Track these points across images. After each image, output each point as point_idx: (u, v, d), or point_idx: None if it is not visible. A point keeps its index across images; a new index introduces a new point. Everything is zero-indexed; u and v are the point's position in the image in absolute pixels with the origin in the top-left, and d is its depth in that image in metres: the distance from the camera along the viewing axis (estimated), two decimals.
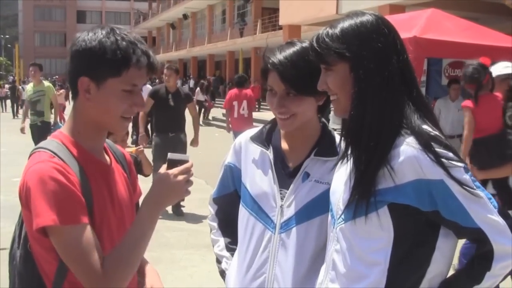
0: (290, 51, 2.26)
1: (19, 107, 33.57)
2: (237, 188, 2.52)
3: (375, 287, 1.89)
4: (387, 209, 1.86)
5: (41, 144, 1.99)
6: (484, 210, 1.82)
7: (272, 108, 2.31)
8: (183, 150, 8.95)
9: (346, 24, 1.95)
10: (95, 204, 1.95)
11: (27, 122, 12.03)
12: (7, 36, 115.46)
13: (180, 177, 1.95)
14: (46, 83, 12.10)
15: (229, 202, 2.56)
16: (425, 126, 1.87)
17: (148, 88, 19.26)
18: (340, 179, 2.06)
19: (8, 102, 36.61)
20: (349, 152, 2.03)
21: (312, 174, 2.29)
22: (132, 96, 1.97)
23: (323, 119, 2.44)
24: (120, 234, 2.02)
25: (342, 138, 2.12)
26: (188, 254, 7.28)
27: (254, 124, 11.01)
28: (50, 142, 1.99)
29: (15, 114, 33.26)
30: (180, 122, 9.49)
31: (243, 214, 2.43)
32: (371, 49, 1.89)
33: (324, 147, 2.34)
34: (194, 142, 9.95)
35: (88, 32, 1.96)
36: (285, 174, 2.33)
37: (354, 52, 1.90)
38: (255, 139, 2.44)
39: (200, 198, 9.81)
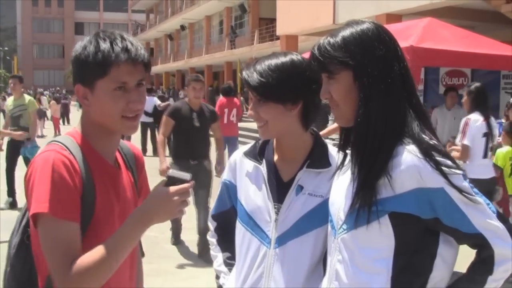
0: (264, 61, 2.30)
1: None
2: (233, 204, 2.52)
3: None
4: (387, 218, 1.87)
5: (57, 137, 2.05)
6: (483, 215, 1.84)
7: (248, 115, 2.37)
8: (206, 180, 7.59)
9: (347, 32, 1.96)
10: (97, 204, 1.97)
11: (6, 139, 10.90)
12: (6, 48, 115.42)
13: (176, 197, 1.91)
14: (28, 97, 11.09)
15: (227, 218, 2.57)
16: (424, 135, 1.89)
17: (154, 100, 19.11)
18: (340, 189, 2.06)
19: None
20: (347, 160, 2.05)
21: (306, 187, 2.29)
22: (126, 94, 1.99)
23: (315, 130, 2.44)
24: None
25: (342, 147, 2.13)
26: (188, 266, 7.28)
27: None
28: (66, 137, 2.05)
29: None
30: (205, 146, 7.83)
31: (239, 230, 2.44)
32: (374, 57, 1.91)
33: (316, 158, 2.34)
34: (219, 169, 8.11)
35: (79, 42, 2.03)
36: (279, 187, 2.33)
37: (358, 60, 1.91)
38: (248, 154, 2.46)
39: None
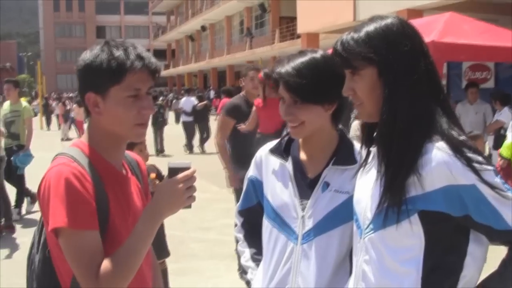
0: (297, 61, 2.29)
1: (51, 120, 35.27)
2: (260, 200, 2.54)
3: None
4: (417, 217, 1.83)
5: (64, 150, 2.07)
6: None
7: (282, 116, 2.35)
8: None
9: (371, 27, 1.93)
10: (111, 212, 2.01)
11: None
12: (30, 53, 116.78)
13: (180, 185, 1.95)
14: (24, 103, 10.53)
15: (253, 214, 2.58)
16: (453, 131, 1.85)
17: (192, 100, 20.17)
18: (365, 187, 2.03)
19: (34, 119, 36.65)
20: (371, 158, 2.04)
21: (332, 184, 2.30)
22: (138, 101, 2.02)
23: (341, 127, 2.45)
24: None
25: (365, 144, 2.11)
26: (213, 265, 7.30)
27: None
28: (72, 149, 2.07)
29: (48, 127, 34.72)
30: None
31: (266, 226, 2.46)
32: (399, 52, 1.87)
33: (342, 155, 2.34)
34: None
35: (87, 51, 2.06)
36: (305, 184, 2.35)
37: (383, 56, 1.88)
38: (274, 151, 2.47)
39: (224, 208, 9.88)
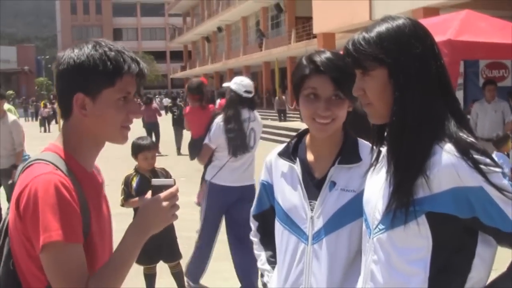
0: (329, 55, 2.31)
1: None
2: (272, 204, 2.57)
3: None
4: (425, 218, 1.83)
5: (39, 155, 1.95)
6: None
7: (313, 113, 2.31)
8: None
9: (383, 28, 1.92)
10: (92, 220, 1.94)
11: None
12: (47, 57, 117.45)
13: (164, 203, 1.93)
14: (7, 106, 9.70)
15: (267, 218, 2.61)
16: (461, 133, 1.84)
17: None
18: (374, 187, 2.03)
19: (53, 122, 36.81)
20: (382, 158, 2.03)
21: (338, 183, 2.33)
22: (127, 105, 1.98)
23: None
24: (107, 250, 2.05)
25: (375, 144, 2.11)
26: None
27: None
28: (49, 154, 1.95)
29: None
30: None
31: (278, 228, 2.48)
32: (410, 54, 1.86)
33: (347, 154, 2.37)
34: None
35: (73, 49, 1.97)
36: (313, 185, 2.37)
37: (394, 57, 1.87)
38: (282, 154, 2.50)
39: None
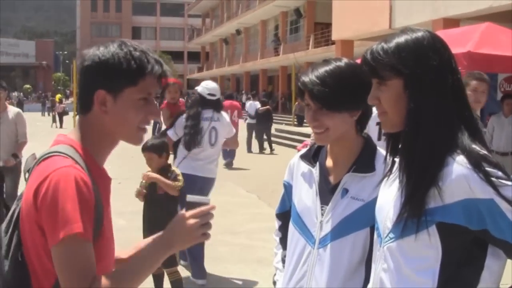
0: (321, 70, 2.31)
1: None
2: (291, 204, 2.60)
3: None
4: (435, 228, 1.83)
5: (56, 148, 1.93)
6: None
7: (308, 122, 2.38)
8: None
9: (402, 39, 1.93)
10: (104, 218, 1.93)
11: None
12: (66, 52, 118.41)
13: (193, 221, 1.92)
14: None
15: (288, 218, 2.63)
16: (474, 146, 1.84)
17: (256, 104, 22.29)
18: (387, 197, 2.04)
19: (66, 118, 36.86)
20: (396, 168, 2.04)
21: (350, 190, 2.35)
22: (147, 106, 1.98)
23: (367, 134, 2.48)
24: (111, 249, 2.03)
25: (390, 154, 2.11)
26: (240, 269, 7.33)
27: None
28: (65, 147, 1.93)
29: None
30: None
31: (291, 229, 2.53)
32: (428, 67, 1.87)
33: (362, 163, 2.38)
34: None
35: (99, 47, 1.99)
36: (327, 190, 2.40)
37: (411, 68, 1.88)
38: (304, 157, 2.54)
39: (252, 213, 9.91)
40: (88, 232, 1.79)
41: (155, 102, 2.05)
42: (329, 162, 2.46)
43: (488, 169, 1.78)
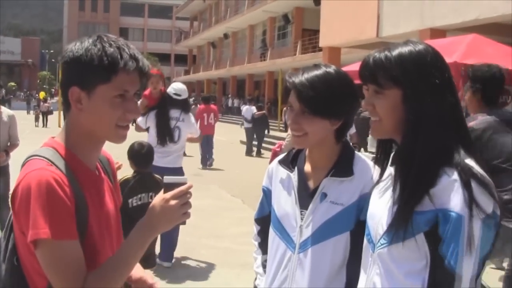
0: (312, 73, 2.33)
1: None
2: (270, 209, 2.62)
3: None
4: (423, 236, 1.87)
5: (36, 151, 1.94)
6: (470, 267, 1.80)
7: (288, 124, 2.41)
8: None
9: (405, 50, 1.95)
10: (90, 216, 1.92)
11: None
12: (52, 51, 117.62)
13: (173, 202, 1.87)
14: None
15: (267, 222, 2.64)
16: (468, 162, 1.87)
17: (252, 109, 23.05)
18: (379, 204, 2.07)
19: (50, 117, 36.51)
20: (386, 175, 2.08)
21: (329, 195, 2.36)
22: (124, 103, 1.93)
23: (347, 139, 2.51)
24: (109, 246, 2.02)
25: (380, 160, 2.15)
26: (224, 272, 7.33)
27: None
28: (46, 150, 1.94)
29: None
30: None
31: (271, 234, 2.55)
32: (429, 83, 1.90)
33: (340, 167, 2.39)
34: None
35: (75, 42, 1.95)
36: (306, 195, 2.41)
37: (413, 83, 1.90)
38: (282, 162, 2.56)
39: (237, 217, 9.91)
40: (63, 233, 1.79)
41: (135, 100, 1.99)
42: (307, 167, 2.48)
43: (474, 191, 1.81)
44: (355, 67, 8.89)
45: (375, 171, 2.25)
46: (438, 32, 16.33)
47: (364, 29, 20.40)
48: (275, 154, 7.76)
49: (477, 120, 4.90)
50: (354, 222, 2.31)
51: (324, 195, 2.37)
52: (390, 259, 1.96)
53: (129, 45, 1.96)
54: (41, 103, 37.79)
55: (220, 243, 8.65)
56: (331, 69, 2.36)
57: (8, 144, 7.72)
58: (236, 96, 53.17)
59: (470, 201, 1.79)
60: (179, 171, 7.54)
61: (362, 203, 2.29)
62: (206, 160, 18.24)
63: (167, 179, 1.95)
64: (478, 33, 10.71)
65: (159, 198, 1.91)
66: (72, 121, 1.98)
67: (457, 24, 16.04)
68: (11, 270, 1.90)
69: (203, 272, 7.29)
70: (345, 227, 2.31)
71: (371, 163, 2.39)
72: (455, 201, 1.81)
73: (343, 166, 2.39)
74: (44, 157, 1.88)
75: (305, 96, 2.29)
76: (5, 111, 7.91)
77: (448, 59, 8.51)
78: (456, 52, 8.98)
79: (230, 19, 55.15)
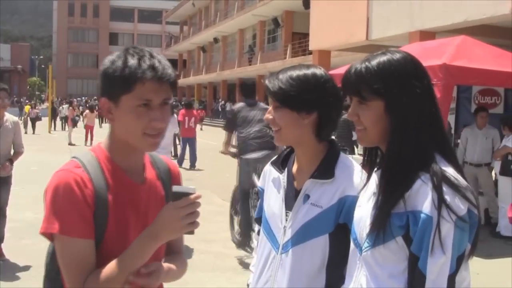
0: (286, 71, 2.40)
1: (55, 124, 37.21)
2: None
3: None
4: (402, 239, 1.90)
5: (77, 153, 2.10)
6: (439, 269, 1.82)
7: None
8: None
9: (385, 61, 1.99)
10: (110, 220, 1.99)
11: None
12: (41, 57, 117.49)
13: (179, 211, 1.90)
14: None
15: None
16: (443, 168, 1.90)
17: None
18: (365, 208, 2.10)
19: (38, 123, 36.61)
20: (372, 180, 2.11)
21: (312, 196, 2.37)
22: (149, 112, 1.98)
23: (333, 139, 2.51)
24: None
25: (368, 167, 2.19)
26: (214, 277, 7.31)
27: None
28: (86, 153, 2.10)
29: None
30: None
31: (260, 234, 2.60)
32: (410, 94, 1.95)
33: (322, 169, 2.40)
34: None
35: (110, 56, 2.05)
36: (292, 196, 2.44)
37: (394, 94, 1.95)
38: (274, 163, 2.60)
39: (228, 221, 9.87)
40: (73, 230, 1.91)
41: (162, 108, 2.02)
42: (295, 168, 2.50)
43: (445, 194, 1.84)
44: (344, 70, 8.92)
45: (363, 175, 2.29)
46: (428, 34, 16.38)
47: (354, 32, 20.43)
48: None
49: None
50: (333, 224, 2.32)
51: (307, 197, 2.38)
52: (374, 261, 1.99)
53: (153, 55, 2.03)
54: (30, 110, 38.20)
55: (211, 247, 8.63)
56: (308, 68, 2.41)
57: (12, 152, 7.63)
58: (228, 100, 53.15)
59: (440, 203, 1.82)
60: None
61: (342, 206, 2.31)
62: (182, 161, 19.17)
63: (176, 188, 1.97)
64: (467, 34, 10.75)
65: (166, 207, 1.95)
66: (111, 129, 2.11)
67: (446, 26, 16.10)
68: (52, 254, 2.09)
69: (194, 276, 7.26)
70: (324, 229, 2.32)
71: (357, 166, 2.41)
72: (425, 203, 1.84)
73: (325, 168, 2.40)
74: (78, 159, 2.04)
75: (272, 88, 2.37)
76: (10, 117, 7.74)
77: (438, 61, 8.57)
78: (445, 53, 9.00)
79: (220, 23, 55.26)
